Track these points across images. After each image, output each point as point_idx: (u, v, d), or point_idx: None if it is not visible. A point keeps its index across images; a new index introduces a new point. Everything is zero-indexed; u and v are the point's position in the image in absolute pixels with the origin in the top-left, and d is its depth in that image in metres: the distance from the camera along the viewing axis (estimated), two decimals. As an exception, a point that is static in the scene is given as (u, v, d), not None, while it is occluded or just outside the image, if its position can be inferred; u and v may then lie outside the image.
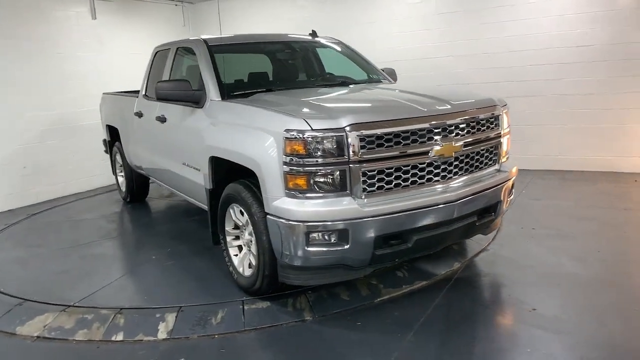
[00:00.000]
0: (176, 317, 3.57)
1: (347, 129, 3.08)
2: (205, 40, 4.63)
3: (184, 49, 4.99)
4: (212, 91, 4.17)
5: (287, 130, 3.12)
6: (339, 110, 3.27)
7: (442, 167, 3.41)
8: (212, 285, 4.07)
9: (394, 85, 4.70)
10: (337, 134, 3.07)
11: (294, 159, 3.11)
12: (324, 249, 3.16)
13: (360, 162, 3.12)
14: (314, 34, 5.34)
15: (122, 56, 8.75)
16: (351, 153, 3.09)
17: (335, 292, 3.79)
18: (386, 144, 3.19)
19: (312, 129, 3.07)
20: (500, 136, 3.83)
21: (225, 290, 3.92)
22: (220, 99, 4.12)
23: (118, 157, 6.99)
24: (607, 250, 4.34)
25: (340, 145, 3.08)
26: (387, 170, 3.22)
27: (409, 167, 3.29)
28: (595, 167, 6.99)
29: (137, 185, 6.78)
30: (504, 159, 3.94)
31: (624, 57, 6.65)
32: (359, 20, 8.39)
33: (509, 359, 2.92)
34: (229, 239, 3.98)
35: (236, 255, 3.95)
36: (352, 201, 3.13)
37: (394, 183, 3.26)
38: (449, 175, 3.45)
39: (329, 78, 4.86)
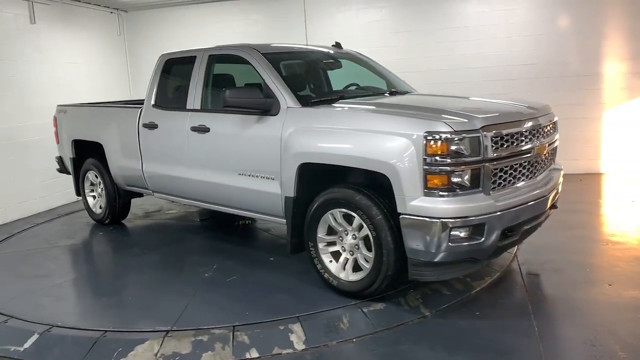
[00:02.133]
0: (302, 326, 3.47)
1: (482, 129, 3.34)
2: (256, 48, 4.54)
3: (224, 57, 4.81)
4: (288, 99, 4.12)
5: (429, 132, 3.28)
6: (473, 113, 3.51)
7: (535, 164, 3.81)
8: (301, 293, 3.99)
9: (436, 93, 5.04)
10: (475, 135, 3.31)
11: (435, 159, 3.27)
12: (463, 243, 3.35)
13: (490, 160, 3.38)
14: (338, 45, 5.48)
15: (60, 65, 7.96)
16: (485, 152, 3.35)
17: (435, 289, 3.97)
18: (506, 144, 3.50)
19: (454, 131, 3.27)
20: (557, 138, 4.36)
21: (320, 297, 3.87)
22: (299, 106, 4.09)
23: (91, 176, 6.35)
24: (624, 233, 5.07)
25: (477, 145, 3.32)
26: (504, 168, 3.52)
27: (518, 165, 3.63)
28: (542, 170, 8.01)
29: (121, 206, 6.23)
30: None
31: (561, 74, 7.78)
32: (315, 37, 8.62)
33: (631, 326, 3.36)
34: (321, 245, 3.96)
35: (331, 261, 3.94)
36: (485, 197, 3.38)
37: (508, 179, 3.57)
38: (537, 172, 3.87)
39: (378, 88, 5.02)
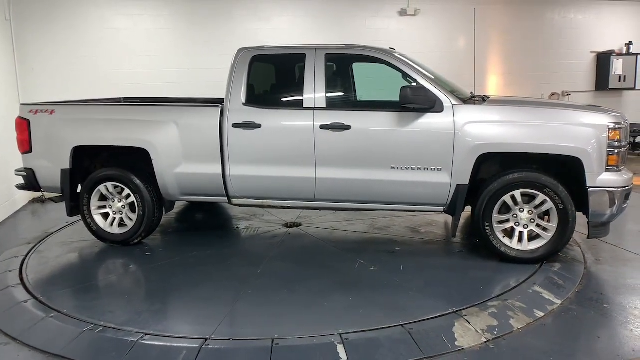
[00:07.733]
0: (542, 287, 4.13)
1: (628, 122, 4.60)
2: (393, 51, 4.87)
3: (346, 57, 4.91)
4: (451, 98, 4.63)
5: (610, 123, 4.36)
6: (617, 110, 4.70)
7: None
8: (487, 269, 4.56)
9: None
10: (626, 125, 4.53)
11: (615, 143, 4.38)
12: (624, 205, 4.53)
13: (627, 145, 4.65)
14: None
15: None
16: (627, 138, 4.60)
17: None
18: (620, 133, 4.83)
19: (621, 122, 4.43)
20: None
21: (505, 268, 4.52)
22: (461, 104, 4.63)
23: (105, 189, 5.30)
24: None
25: (627, 133, 4.56)
26: (622, 151, 4.85)
27: (618, 148, 4.99)
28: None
29: (156, 221, 5.41)
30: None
31: (459, 84, 9.64)
32: (248, 41, 8.63)
33: None
34: (494, 224, 4.60)
35: (504, 237, 4.62)
36: (628, 172, 4.62)
37: (622, 160, 4.91)
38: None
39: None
